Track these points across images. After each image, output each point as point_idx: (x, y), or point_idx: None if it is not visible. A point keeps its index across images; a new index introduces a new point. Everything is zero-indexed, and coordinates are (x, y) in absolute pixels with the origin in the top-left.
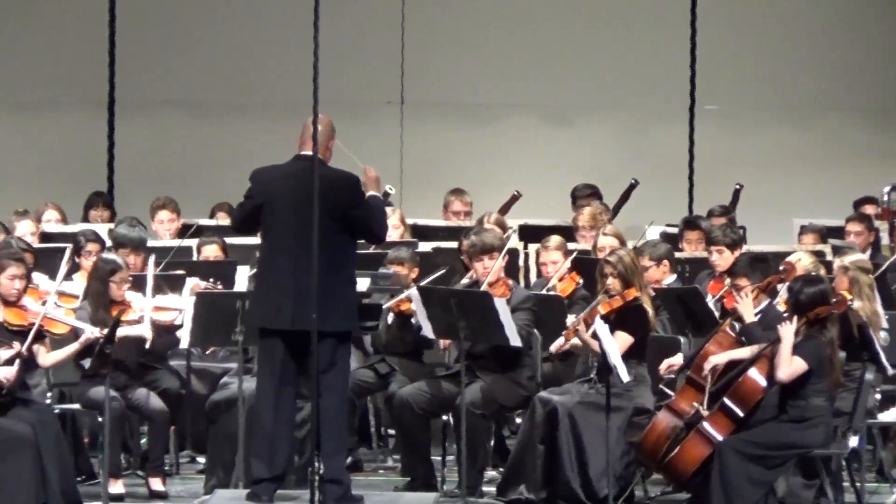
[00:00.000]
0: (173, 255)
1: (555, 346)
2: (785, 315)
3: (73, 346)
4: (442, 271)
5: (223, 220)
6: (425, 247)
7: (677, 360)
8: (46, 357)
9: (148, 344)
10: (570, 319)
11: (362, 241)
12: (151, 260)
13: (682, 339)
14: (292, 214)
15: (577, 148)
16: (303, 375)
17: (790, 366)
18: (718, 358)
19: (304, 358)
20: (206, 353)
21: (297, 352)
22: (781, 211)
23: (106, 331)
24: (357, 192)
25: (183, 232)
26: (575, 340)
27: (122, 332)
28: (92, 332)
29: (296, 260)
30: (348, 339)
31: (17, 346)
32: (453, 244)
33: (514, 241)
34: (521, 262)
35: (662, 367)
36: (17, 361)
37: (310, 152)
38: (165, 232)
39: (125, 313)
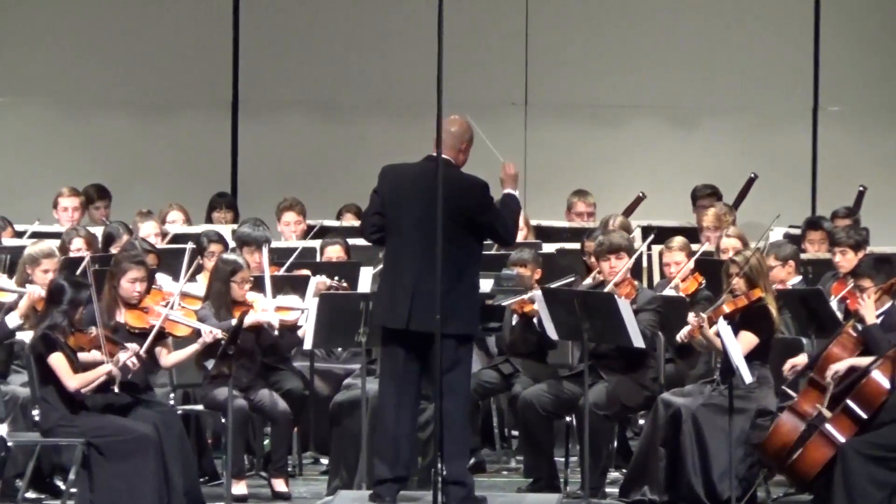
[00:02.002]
0: (298, 255)
1: (680, 335)
2: None
3: (193, 347)
4: (571, 279)
5: (349, 221)
6: (549, 248)
7: (801, 360)
8: (167, 358)
9: (276, 332)
10: (691, 317)
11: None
12: (266, 258)
13: (804, 341)
14: (418, 214)
15: (700, 149)
16: (425, 376)
17: None
18: (839, 365)
19: (426, 359)
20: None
21: (418, 353)
22: None
23: (227, 331)
24: (484, 197)
25: (308, 233)
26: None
27: (249, 321)
28: (211, 332)
29: (418, 260)
30: (470, 341)
31: (133, 347)
32: (576, 245)
33: (639, 241)
34: (645, 263)
35: (786, 367)
36: (137, 358)
37: (443, 154)
38: (291, 233)
39: (247, 314)
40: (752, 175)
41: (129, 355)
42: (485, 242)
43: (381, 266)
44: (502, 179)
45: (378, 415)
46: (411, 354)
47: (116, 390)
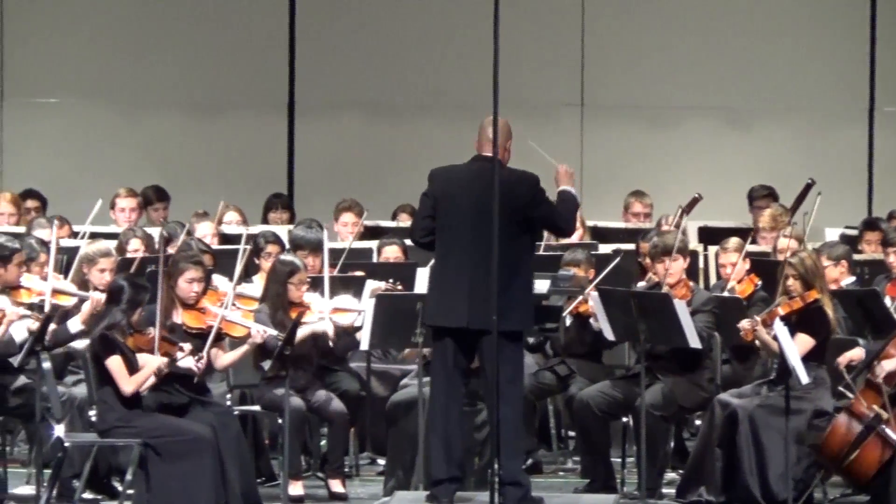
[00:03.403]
0: (354, 257)
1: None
2: None
3: (243, 348)
4: (617, 259)
5: (405, 221)
6: (605, 248)
7: (856, 353)
8: (221, 359)
9: (331, 342)
10: (744, 322)
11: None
12: (326, 259)
13: (860, 342)
14: (470, 214)
15: (756, 150)
16: (478, 376)
17: None
18: (890, 363)
19: (472, 358)
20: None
21: (469, 352)
22: None
23: (282, 331)
24: (537, 191)
25: (364, 234)
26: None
27: (304, 331)
28: (263, 332)
29: (472, 260)
30: (520, 338)
31: (188, 347)
32: (633, 246)
33: (694, 243)
34: (701, 264)
35: (842, 359)
36: (195, 355)
37: (488, 153)
38: (348, 234)
39: (304, 315)
40: (810, 181)
41: (184, 355)
42: (536, 244)
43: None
44: (557, 180)
45: (430, 414)
46: (461, 353)
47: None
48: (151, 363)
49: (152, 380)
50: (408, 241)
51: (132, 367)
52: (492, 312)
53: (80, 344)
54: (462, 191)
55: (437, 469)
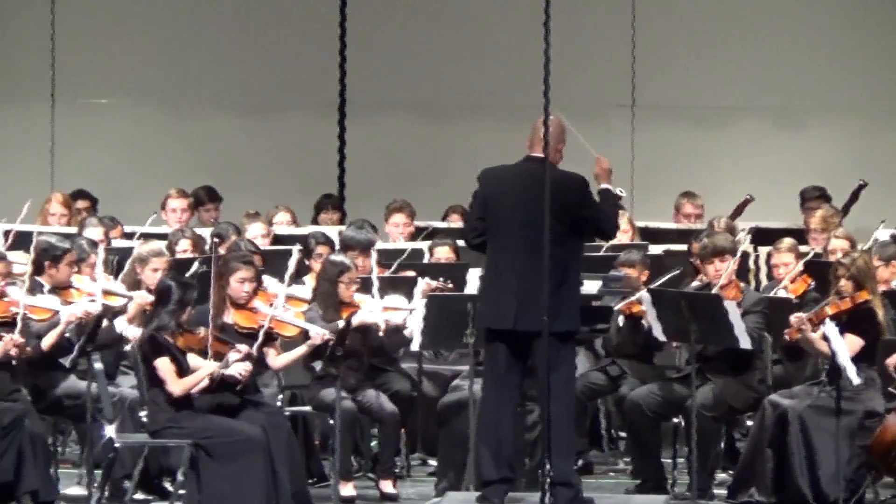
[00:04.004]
0: (405, 257)
1: (785, 337)
2: None
3: (302, 349)
4: (675, 272)
5: (456, 222)
6: (656, 249)
7: None
8: (276, 359)
9: (381, 333)
10: (793, 317)
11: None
12: (374, 259)
13: None
14: (521, 215)
15: (807, 151)
16: (528, 377)
17: None
18: None
19: (527, 359)
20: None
21: (521, 353)
22: None
23: (333, 332)
24: (586, 192)
25: (415, 234)
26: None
27: (356, 322)
28: (320, 333)
29: (522, 261)
30: (571, 339)
31: (243, 347)
32: (684, 247)
33: (746, 244)
34: (752, 265)
35: (892, 360)
36: (248, 358)
37: (538, 154)
38: (399, 234)
39: (355, 315)
40: (861, 182)
41: (239, 356)
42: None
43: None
44: (597, 175)
45: (481, 416)
46: (514, 355)
47: (220, 374)
48: (205, 368)
49: (203, 384)
50: (459, 242)
51: (182, 368)
52: (542, 313)
53: (131, 344)
54: (512, 191)
55: (487, 470)
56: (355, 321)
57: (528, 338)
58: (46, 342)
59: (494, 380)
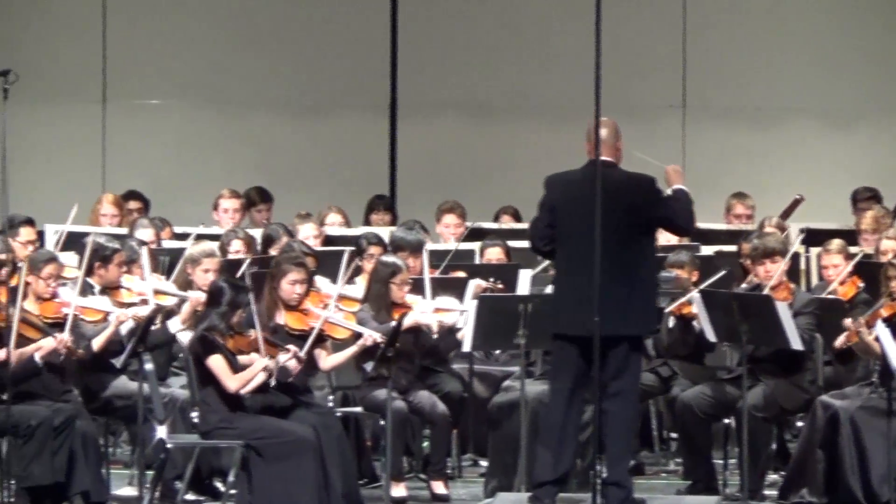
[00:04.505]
0: (456, 258)
1: (838, 342)
2: None
3: (352, 350)
4: (722, 272)
5: (507, 223)
6: (707, 250)
7: None
8: (326, 360)
9: (434, 335)
10: (848, 322)
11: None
12: (426, 260)
13: None
14: (589, 220)
15: (859, 151)
16: (602, 379)
17: None
18: None
19: (601, 362)
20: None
21: (590, 357)
22: None
23: (387, 334)
24: (655, 191)
25: (467, 235)
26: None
27: (408, 323)
28: (372, 335)
29: (594, 265)
30: (641, 343)
31: (292, 348)
32: (734, 248)
33: (797, 245)
34: (803, 266)
35: None
36: (297, 360)
37: (602, 157)
38: (450, 235)
39: (406, 316)
40: None
41: (288, 357)
42: None
43: (537, 269)
44: (668, 180)
45: (546, 418)
46: (584, 359)
47: (273, 383)
48: (259, 363)
49: (260, 378)
50: (510, 243)
51: (234, 367)
52: (617, 319)
53: (186, 336)
54: (580, 196)
55: (544, 471)
56: (408, 322)
57: (602, 341)
58: (97, 343)
59: (564, 383)
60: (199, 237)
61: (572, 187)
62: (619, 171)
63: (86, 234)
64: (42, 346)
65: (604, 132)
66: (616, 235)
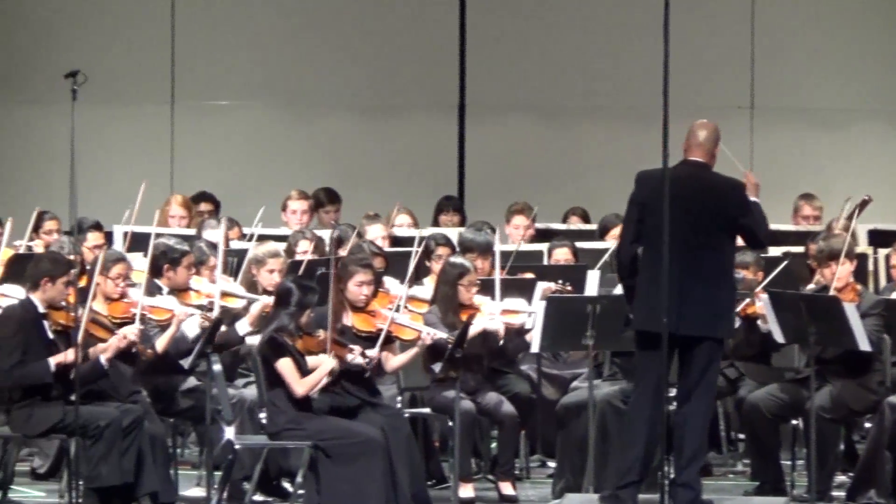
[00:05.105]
0: (525, 259)
1: None
2: None
3: (413, 351)
4: (784, 263)
5: (575, 224)
6: (774, 251)
7: None
8: (390, 361)
9: (501, 340)
10: None
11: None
12: (497, 261)
13: None
14: (678, 218)
15: None
16: (681, 380)
17: None
18: None
19: (684, 363)
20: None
21: (676, 356)
22: None
23: (452, 333)
24: (743, 198)
25: (535, 236)
26: None
27: (475, 329)
28: (430, 333)
29: (681, 264)
30: (722, 344)
31: (357, 349)
32: (802, 249)
33: (865, 246)
34: (871, 267)
35: None
36: (363, 356)
37: (696, 158)
38: (519, 237)
39: (475, 317)
40: None
41: (354, 357)
42: None
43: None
44: (747, 188)
45: (634, 418)
46: (668, 359)
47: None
48: (325, 365)
49: (325, 381)
50: (578, 244)
51: (302, 370)
52: (701, 318)
53: (255, 339)
54: (671, 195)
55: (631, 471)
56: (476, 328)
57: (685, 342)
58: (160, 344)
59: (648, 384)
60: (263, 238)
61: (662, 185)
62: (711, 174)
63: (155, 236)
64: (110, 346)
65: (703, 134)
66: (703, 236)
